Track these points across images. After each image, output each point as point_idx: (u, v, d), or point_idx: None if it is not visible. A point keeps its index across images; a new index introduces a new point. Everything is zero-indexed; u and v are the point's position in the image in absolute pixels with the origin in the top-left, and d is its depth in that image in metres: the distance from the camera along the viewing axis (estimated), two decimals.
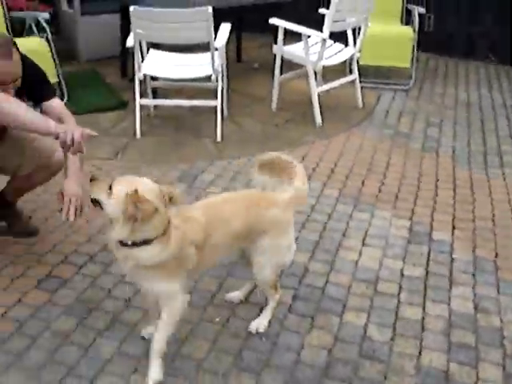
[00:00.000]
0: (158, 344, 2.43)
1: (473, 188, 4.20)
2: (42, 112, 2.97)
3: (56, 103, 3.09)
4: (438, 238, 3.55)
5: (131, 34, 4.59)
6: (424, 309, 2.95)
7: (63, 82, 5.34)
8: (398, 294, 3.06)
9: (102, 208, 2.30)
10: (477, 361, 2.64)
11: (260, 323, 2.76)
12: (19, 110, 2.63)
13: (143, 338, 2.68)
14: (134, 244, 2.27)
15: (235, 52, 6.75)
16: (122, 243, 2.29)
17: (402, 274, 3.21)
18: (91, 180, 2.37)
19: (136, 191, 2.18)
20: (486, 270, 3.28)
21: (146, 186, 2.28)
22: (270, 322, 2.78)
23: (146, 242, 2.26)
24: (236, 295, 2.95)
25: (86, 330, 2.73)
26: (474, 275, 3.23)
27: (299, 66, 5.40)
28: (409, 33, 6.23)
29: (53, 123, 2.65)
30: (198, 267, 2.48)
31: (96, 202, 2.33)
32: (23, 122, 2.65)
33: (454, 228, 3.66)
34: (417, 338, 2.76)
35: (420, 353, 2.68)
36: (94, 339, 2.68)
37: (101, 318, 2.80)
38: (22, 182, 3.18)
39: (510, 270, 3.29)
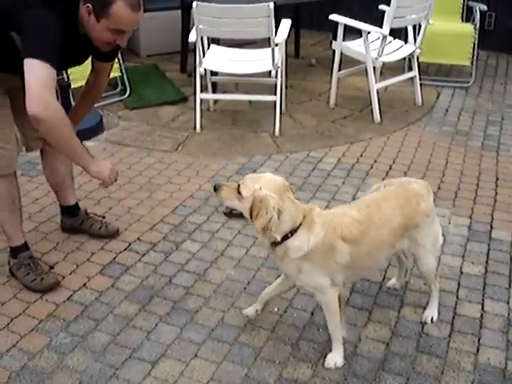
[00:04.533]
0: (332, 334, 2.57)
1: None
2: (94, 68, 2.99)
3: (108, 65, 3.04)
4: (497, 237, 3.51)
5: (193, 30, 4.67)
6: (483, 307, 2.94)
7: (125, 77, 5.47)
8: (457, 291, 3.04)
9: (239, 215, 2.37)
10: None
11: (429, 314, 2.84)
12: (71, 142, 2.61)
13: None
14: (284, 238, 2.32)
15: (293, 48, 6.77)
16: (273, 243, 2.34)
17: (461, 272, 3.19)
18: (216, 189, 2.38)
19: (260, 189, 2.25)
20: None
21: (269, 181, 2.32)
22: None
23: (292, 233, 2.31)
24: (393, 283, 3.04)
25: (148, 315, 2.82)
26: None
27: (355, 62, 5.39)
28: (470, 30, 6.13)
29: (89, 162, 2.70)
30: (355, 265, 2.48)
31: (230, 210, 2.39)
32: (65, 151, 2.72)
33: None
34: (475, 336, 2.75)
35: (478, 350, 2.67)
36: (155, 324, 2.76)
37: (162, 305, 2.89)
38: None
39: None
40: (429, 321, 2.82)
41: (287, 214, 2.27)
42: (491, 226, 3.62)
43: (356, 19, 5.18)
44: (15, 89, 2.66)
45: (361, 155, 4.53)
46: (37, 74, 2.38)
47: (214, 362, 2.56)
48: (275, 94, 4.80)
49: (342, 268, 2.42)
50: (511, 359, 2.62)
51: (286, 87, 5.33)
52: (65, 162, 3.24)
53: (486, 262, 3.28)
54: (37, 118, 2.39)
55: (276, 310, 2.86)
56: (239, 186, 2.31)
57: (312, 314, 2.85)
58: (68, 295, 2.94)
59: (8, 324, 2.74)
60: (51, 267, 3.12)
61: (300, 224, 2.32)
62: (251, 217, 2.25)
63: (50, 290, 2.96)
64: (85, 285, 3.02)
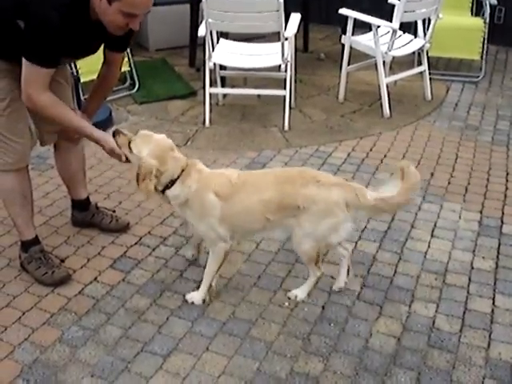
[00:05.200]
0: (205, 277, 2.87)
1: None
2: (106, 59, 3.00)
3: (120, 56, 3.05)
4: (508, 232, 3.50)
5: (203, 24, 4.67)
6: (494, 302, 2.93)
7: (134, 71, 5.47)
8: (468, 286, 3.04)
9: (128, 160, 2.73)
10: None
11: (296, 293, 2.93)
12: (65, 117, 2.74)
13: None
14: (165, 188, 2.69)
15: (302, 42, 6.75)
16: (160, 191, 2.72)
17: (472, 267, 3.18)
18: (114, 134, 2.72)
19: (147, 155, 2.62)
20: None
21: (157, 145, 2.66)
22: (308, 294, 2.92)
23: (171, 184, 2.67)
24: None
25: (160, 309, 2.83)
26: None
27: (364, 56, 5.39)
28: (479, 24, 6.10)
29: (90, 132, 2.79)
30: (228, 221, 2.71)
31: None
32: (68, 126, 2.82)
33: None
34: (486, 330, 2.74)
35: (489, 345, 2.66)
36: (167, 318, 2.77)
37: (173, 299, 2.90)
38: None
39: None
40: (292, 297, 2.91)
41: (168, 171, 2.64)
42: (502, 221, 3.61)
43: (365, 13, 5.16)
44: None
45: (370, 150, 4.52)
46: (27, 74, 2.58)
47: (225, 356, 2.56)
48: (284, 88, 4.79)
49: (218, 221, 2.69)
50: None
51: (295, 81, 5.33)
52: (77, 156, 3.25)
53: (497, 256, 3.28)
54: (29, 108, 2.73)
55: (287, 304, 2.87)
56: (130, 142, 2.66)
57: (323, 308, 2.85)
58: (79, 289, 2.95)
59: (20, 318, 2.75)
60: (62, 261, 3.14)
61: (178, 177, 2.67)
62: (137, 179, 2.62)
63: (60, 283, 2.97)
64: (96, 279, 3.03)
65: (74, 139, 3.16)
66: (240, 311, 2.82)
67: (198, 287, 2.93)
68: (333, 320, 2.77)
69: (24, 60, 2.54)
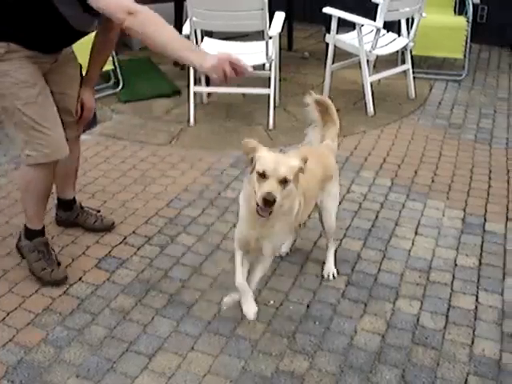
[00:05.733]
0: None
1: None
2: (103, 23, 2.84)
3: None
4: (491, 229, 3.53)
5: (187, 22, 4.66)
6: (477, 299, 2.96)
7: (118, 69, 5.45)
8: (451, 283, 3.06)
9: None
10: None
11: (329, 269, 3.08)
12: (166, 38, 2.40)
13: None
14: None
15: (286, 41, 6.76)
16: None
17: (456, 264, 3.21)
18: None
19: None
20: None
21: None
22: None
23: None
24: None
25: (145, 309, 2.82)
26: None
27: (348, 55, 5.41)
28: (462, 23, 6.13)
29: (202, 57, 2.37)
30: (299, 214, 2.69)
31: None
32: (171, 53, 2.42)
33: (507, 219, 3.63)
34: (469, 327, 2.77)
35: (472, 342, 2.69)
36: (152, 318, 2.77)
37: (158, 298, 2.89)
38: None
39: None
40: (331, 277, 3.04)
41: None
42: (485, 219, 3.65)
43: (349, 12, 5.18)
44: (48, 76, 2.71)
45: (355, 148, 4.54)
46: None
47: (210, 355, 2.57)
48: (269, 86, 4.80)
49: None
50: (506, 351, 2.64)
51: (280, 80, 5.33)
52: (73, 156, 3.17)
53: (480, 254, 3.31)
54: (126, 27, 2.40)
55: (272, 302, 2.87)
56: None
57: (308, 306, 2.86)
58: (64, 289, 2.93)
59: (4, 318, 2.73)
60: None
61: None
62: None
63: (57, 284, 2.95)
64: (80, 278, 3.02)
65: (73, 139, 3.09)
66: (225, 310, 2.81)
67: (182, 286, 2.93)
68: (318, 318, 2.78)
69: None
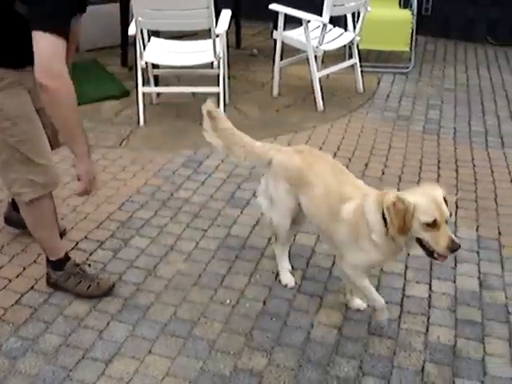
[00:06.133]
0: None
1: (475, 168, 4.25)
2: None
3: (80, 25, 2.79)
4: None
5: (133, 22, 4.61)
6: (430, 287, 3.01)
7: None
8: (405, 273, 3.11)
9: None
10: (483, 336, 2.70)
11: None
12: (72, 119, 2.44)
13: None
14: None
15: (234, 39, 6.76)
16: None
17: (408, 254, 3.25)
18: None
19: None
20: (489, 247, 3.34)
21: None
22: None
23: None
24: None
25: (100, 315, 2.78)
26: (478, 253, 3.28)
27: (296, 51, 5.44)
28: (407, 16, 6.23)
29: (83, 157, 2.50)
30: None
31: None
32: (69, 129, 2.46)
33: (457, 207, 3.70)
34: (424, 315, 2.82)
35: (427, 329, 2.73)
36: (107, 323, 2.73)
37: (113, 303, 2.85)
38: None
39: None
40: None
41: None
42: None
43: (296, 8, 5.20)
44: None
45: (306, 143, 4.55)
46: (48, 47, 2.25)
47: (168, 358, 2.54)
48: (218, 85, 4.79)
49: None
50: (460, 336, 2.69)
51: (229, 78, 5.32)
52: None
53: None
54: (45, 88, 2.28)
55: (228, 301, 2.87)
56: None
57: (264, 303, 2.86)
58: (16, 298, 2.86)
59: None
60: None
61: None
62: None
63: (108, 293, 2.89)
64: (33, 287, 2.95)
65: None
66: (181, 311, 2.80)
67: (137, 290, 2.90)
68: (274, 314, 2.79)
69: (39, 34, 2.22)
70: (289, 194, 2.79)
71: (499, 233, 3.47)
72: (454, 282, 3.04)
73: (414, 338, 2.68)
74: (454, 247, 2.25)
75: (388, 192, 2.40)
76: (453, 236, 2.28)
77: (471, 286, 3.03)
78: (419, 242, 2.35)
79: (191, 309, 2.81)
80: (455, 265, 3.17)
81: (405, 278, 3.06)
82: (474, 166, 4.29)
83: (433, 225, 2.25)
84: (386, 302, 2.85)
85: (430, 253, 2.35)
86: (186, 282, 3.00)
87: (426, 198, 2.30)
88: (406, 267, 3.15)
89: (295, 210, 2.83)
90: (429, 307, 2.87)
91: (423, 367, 2.53)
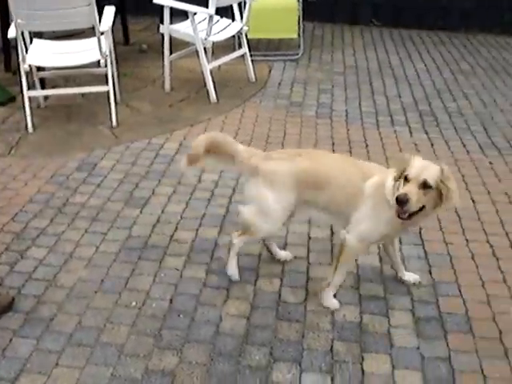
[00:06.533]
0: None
1: (368, 148, 4.38)
2: None
3: None
4: None
5: (12, 25, 4.42)
6: None
7: None
8: (307, 256, 3.16)
9: None
10: (387, 309, 2.79)
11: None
12: None
13: None
14: None
15: (122, 35, 6.63)
16: None
17: (309, 237, 3.32)
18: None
19: None
20: None
21: None
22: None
23: None
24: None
25: (1, 332, 2.65)
26: None
27: (186, 44, 5.40)
28: (293, 3, 6.32)
29: None
30: None
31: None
32: None
33: None
34: None
35: None
36: (10, 340, 2.60)
37: (14, 318, 2.73)
38: None
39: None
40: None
41: None
42: None
43: (181, 1, 5.15)
44: None
45: None
46: None
47: (77, 368, 2.46)
48: (107, 84, 4.68)
49: None
50: (365, 312, 2.77)
51: (119, 76, 5.21)
52: None
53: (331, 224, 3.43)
54: None
55: (134, 303, 2.81)
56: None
57: (171, 301, 2.83)
58: None
59: None
60: None
61: None
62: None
63: (8, 309, 2.75)
64: None
65: None
66: (86, 319, 2.72)
67: (38, 302, 2.79)
68: (182, 311, 2.76)
69: None
70: (291, 199, 2.77)
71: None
72: (356, 260, 3.12)
73: (321, 318, 2.73)
74: (400, 198, 2.41)
75: None
76: (410, 192, 2.41)
77: (372, 262, 3.12)
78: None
79: (96, 316, 2.74)
80: None
81: (308, 262, 3.11)
82: (367, 145, 4.42)
83: (406, 180, 2.45)
84: (291, 287, 2.91)
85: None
86: (89, 289, 2.91)
87: (419, 163, 2.49)
88: (309, 250, 3.20)
89: (290, 214, 2.86)
90: None
91: (332, 346, 2.58)
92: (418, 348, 2.58)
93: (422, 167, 2.46)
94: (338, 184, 2.72)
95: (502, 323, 2.72)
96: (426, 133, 4.71)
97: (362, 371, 2.46)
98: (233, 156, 2.85)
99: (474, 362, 2.50)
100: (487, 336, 2.65)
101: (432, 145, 4.43)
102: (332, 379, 2.41)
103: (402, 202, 2.41)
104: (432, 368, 2.48)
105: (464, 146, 4.50)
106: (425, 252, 3.21)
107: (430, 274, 3.04)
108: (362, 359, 2.51)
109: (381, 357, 2.53)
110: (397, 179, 2.52)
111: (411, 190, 2.41)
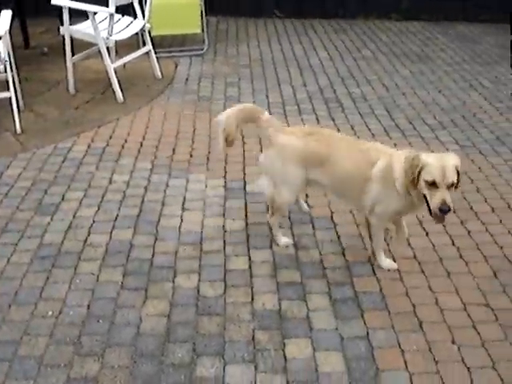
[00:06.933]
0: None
1: None
2: None
3: None
4: (251, 190, 3.72)
5: None
6: (249, 258, 3.11)
7: None
8: (224, 249, 3.19)
9: None
10: (304, 294, 2.86)
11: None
12: None
13: None
14: None
15: (21, 39, 6.42)
16: None
17: (225, 230, 3.34)
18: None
19: None
20: (299, 210, 3.51)
21: None
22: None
23: None
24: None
25: None
26: (289, 217, 3.45)
27: (90, 45, 5.30)
28: None
29: None
30: None
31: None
32: None
33: None
34: (247, 286, 2.91)
35: (252, 299, 2.84)
36: None
37: None
38: None
39: (319, 206, 3.56)
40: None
41: None
42: (244, 182, 3.84)
43: (81, 1, 5.04)
44: None
45: (110, 137, 4.48)
46: None
47: None
48: (8, 90, 4.53)
49: None
50: (283, 299, 2.83)
51: (20, 81, 5.05)
52: None
53: (245, 215, 3.48)
54: None
55: (50, 313, 2.75)
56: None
57: (88, 307, 2.79)
58: None
59: None
60: None
61: None
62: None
63: None
64: None
65: None
66: (2, 334, 2.64)
67: None
68: (100, 316, 2.73)
69: None
70: (300, 174, 3.01)
71: (306, 195, 3.66)
72: (271, 248, 3.17)
73: (241, 309, 2.77)
74: (443, 208, 2.55)
75: (411, 151, 2.80)
76: (448, 200, 2.55)
77: (287, 249, 3.18)
78: (425, 198, 2.64)
79: (12, 329, 2.66)
80: (270, 232, 3.29)
81: (225, 254, 3.14)
82: None
83: (433, 184, 2.57)
84: (210, 281, 2.93)
85: (429, 210, 2.64)
86: (3, 302, 2.82)
87: (436, 161, 2.61)
88: (225, 243, 3.23)
89: (303, 186, 3.15)
90: (251, 277, 2.97)
91: (253, 336, 2.62)
92: (337, 329, 2.65)
93: (442, 168, 2.58)
94: (344, 170, 2.92)
95: (414, 297, 2.84)
96: (333, 119, 4.83)
97: (285, 357, 2.51)
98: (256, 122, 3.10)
99: (392, 338, 2.60)
100: (402, 311, 2.76)
101: (338, 130, 4.54)
102: (256, 368, 2.45)
103: (445, 211, 2.56)
104: (351, 347, 2.55)
105: (369, 129, 4.64)
106: (337, 235, 3.30)
107: (344, 255, 3.13)
108: (284, 345, 2.56)
109: (302, 341, 2.59)
110: (410, 178, 2.65)
111: (446, 197, 2.56)
